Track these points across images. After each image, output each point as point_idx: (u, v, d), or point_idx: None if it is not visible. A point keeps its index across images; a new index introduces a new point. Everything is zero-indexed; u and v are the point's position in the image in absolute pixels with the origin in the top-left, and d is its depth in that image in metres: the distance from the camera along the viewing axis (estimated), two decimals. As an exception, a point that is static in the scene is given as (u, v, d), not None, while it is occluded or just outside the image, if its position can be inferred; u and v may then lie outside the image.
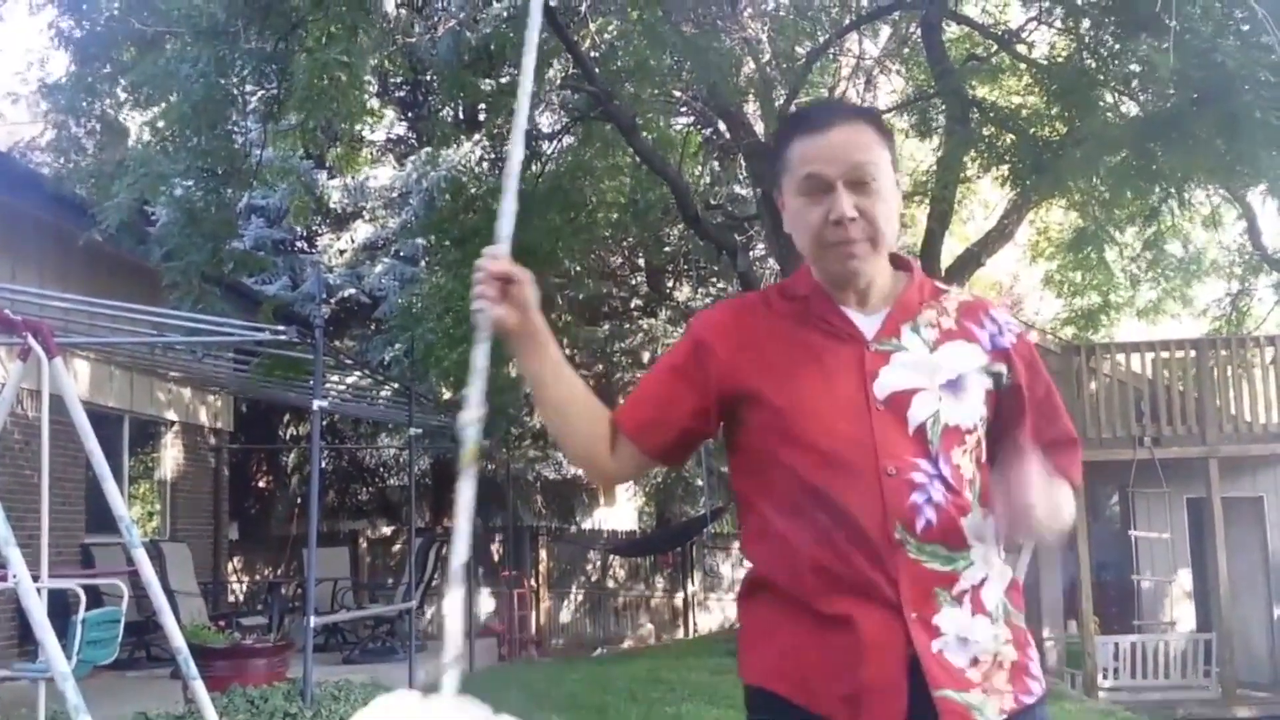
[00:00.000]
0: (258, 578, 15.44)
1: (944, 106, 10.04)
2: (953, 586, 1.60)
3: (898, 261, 1.79)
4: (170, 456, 11.96)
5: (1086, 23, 9.31)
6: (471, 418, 1.65)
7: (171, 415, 11.85)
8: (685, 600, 19.54)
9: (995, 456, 1.70)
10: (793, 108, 9.97)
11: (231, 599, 13.50)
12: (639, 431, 1.77)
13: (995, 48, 10.88)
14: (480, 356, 1.66)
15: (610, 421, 1.78)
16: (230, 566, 14.22)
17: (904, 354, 1.67)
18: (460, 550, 1.62)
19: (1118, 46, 8.33)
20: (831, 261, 1.70)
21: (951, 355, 1.68)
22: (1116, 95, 9.61)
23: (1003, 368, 1.71)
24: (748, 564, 1.76)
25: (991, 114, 10.51)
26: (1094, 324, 14.95)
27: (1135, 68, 8.20)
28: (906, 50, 11.40)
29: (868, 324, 1.71)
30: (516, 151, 1.84)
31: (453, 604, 1.67)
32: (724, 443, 1.80)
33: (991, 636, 1.63)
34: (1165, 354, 11.98)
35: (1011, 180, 10.21)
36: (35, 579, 4.36)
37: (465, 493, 1.65)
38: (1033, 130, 10.02)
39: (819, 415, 1.64)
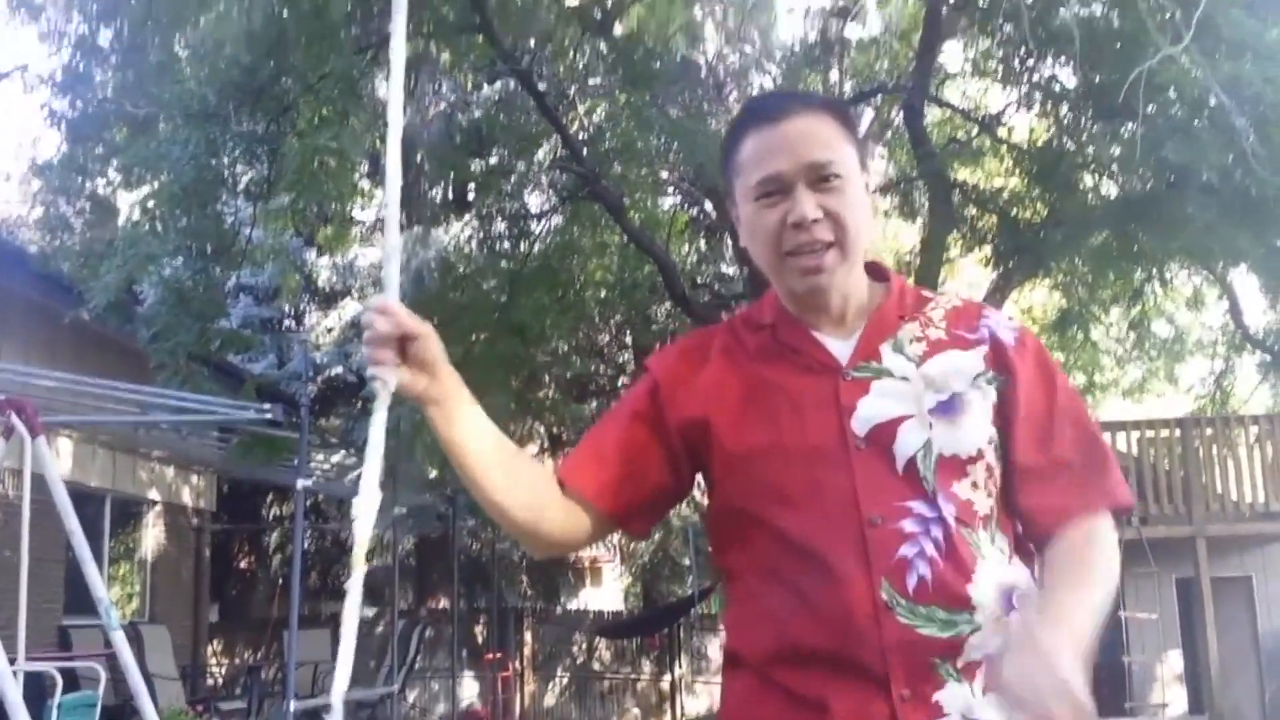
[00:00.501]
0: (237, 661, 15.18)
1: (927, 188, 10.18)
2: (957, 657, 1.33)
3: (876, 272, 1.56)
4: (151, 537, 11.83)
5: (1065, 107, 9.49)
6: (366, 505, 1.38)
7: (154, 495, 11.75)
8: (672, 683, 19.26)
9: (1018, 491, 1.45)
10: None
11: (211, 683, 13.26)
12: (600, 492, 1.50)
13: (976, 131, 11.07)
14: (377, 431, 1.37)
15: (557, 483, 1.51)
16: (210, 649, 13.99)
17: (887, 380, 1.43)
18: (341, 679, 1.37)
19: (1095, 130, 8.49)
20: (795, 275, 1.46)
21: (943, 368, 1.44)
22: (1096, 177, 9.77)
23: (1008, 363, 1.46)
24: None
25: (973, 196, 10.65)
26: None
27: (1114, 151, 8.34)
28: (889, 133, 11.58)
29: (843, 348, 1.47)
30: (394, 182, 1.46)
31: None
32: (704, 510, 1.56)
33: None
34: (1150, 433, 12.02)
35: (994, 261, 10.33)
36: (11, 661, 4.28)
37: (352, 599, 1.37)
38: (1014, 212, 10.16)
39: (791, 462, 1.41)
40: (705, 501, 1.56)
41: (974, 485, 1.41)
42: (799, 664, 1.37)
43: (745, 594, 1.46)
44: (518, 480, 1.47)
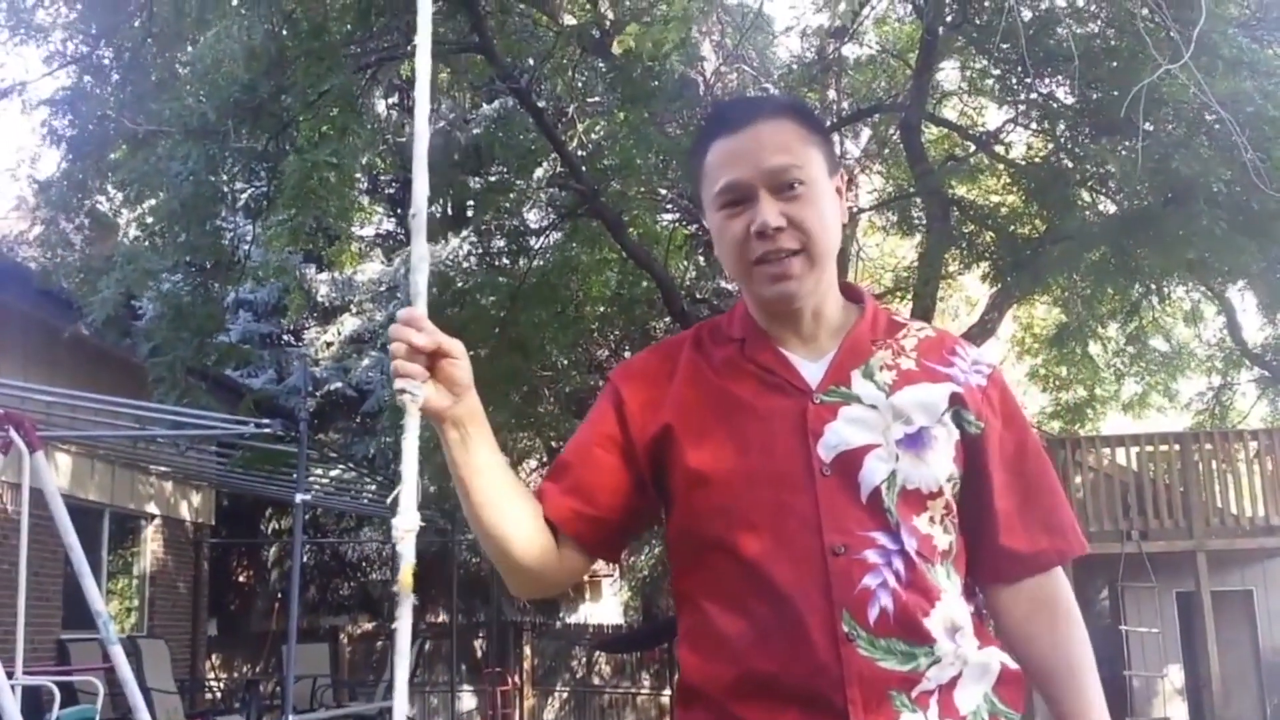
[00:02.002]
0: (236, 675, 15.15)
1: (924, 205, 10.21)
2: (912, 688, 1.32)
3: (850, 293, 1.53)
4: (150, 551, 11.82)
5: (1062, 125, 9.52)
6: (408, 526, 1.32)
7: (152, 509, 11.74)
8: (672, 698, 19.20)
9: (972, 531, 1.45)
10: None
11: (209, 697, 13.21)
12: (580, 528, 1.46)
13: (973, 148, 11.11)
14: (411, 450, 1.32)
15: (548, 521, 1.46)
16: (208, 663, 13.97)
17: (856, 406, 1.40)
18: (400, 700, 1.32)
19: (1093, 147, 8.52)
20: (762, 284, 1.43)
21: (912, 401, 1.41)
22: (1093, 194, 9.80)
23: (972, 415, 1.43)
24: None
25: (971, 212, 10.68)
26: (1080, 419, 15.01)
27: (1111, 168, 8.38)
28: (887, 151, 11.62)
29: (813, 370, 1.43)
30: (421, 191, 1.41)
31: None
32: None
33: None
34: (1150, 448, 12.03)
35: (992, 277, 10.35)
36: (9, 675, 4.28)
37: (404, 624, 1.31)
38: (1012, 228, 10.18)
39: (755, 484, 1.37)
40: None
41: (932, 520, 1.39)
42: (757, 695, 1.34)
43: (701, 622, 1.41)
44: (519, 516, 1.42)
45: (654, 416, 1.46)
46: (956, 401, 1.43)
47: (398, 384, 1.31)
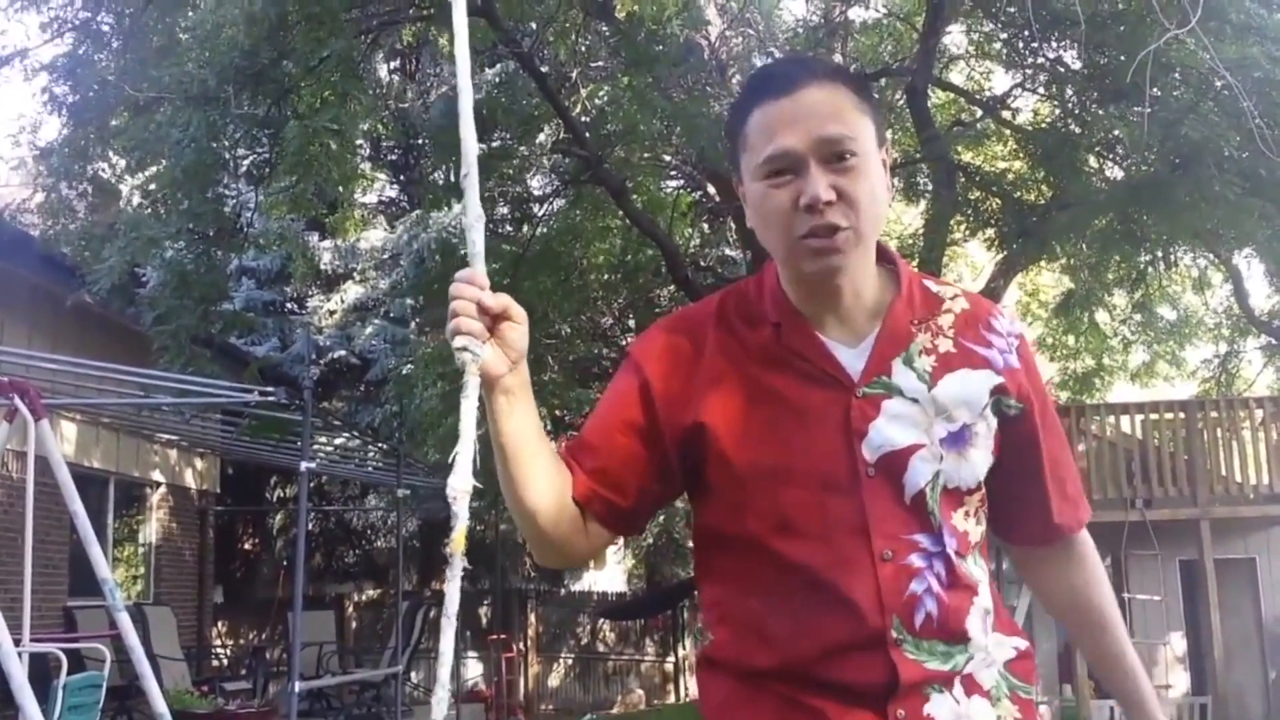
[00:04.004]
0: (242, 642, 15.26)
1: (930, 171, 10.15)
2: (946, 683, 1.35)
3: (880, 254, 1.45)
4: (155, 519, 11.87)
5: (1069, 90, 9.45)
6: (463, 487, 1.27)
7: (157, 477, 11.78)
8: (676, 664, 19.33)
9: (1008, 509, 1.47)
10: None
11: (215, 664, 13.32)
12: (603, 510, 1.43)
13: (980, 114, 11.03)
14: (469, 410, 1.28)
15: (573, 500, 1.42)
16: (214, 630, 14.06)
17: (898, 400, 1.35)
18: (446, 654, 1.28)
19: (1100, 112, 8.46)
20: (806, 260, 1.35)
21: (954, 392, 1.37)
22: (1100, 160, 9.74)
23: (1013, 399, 1.41)
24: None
25: (977, 178, 10.62)
26: (1088, 388, 15.00)
27: (1119, 133, 8.32)
28: (892, 116, 11.55)
29: (852, 357, 1.38)
30: (470, 150, 1.37)
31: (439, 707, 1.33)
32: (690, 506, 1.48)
33: (994, 719, 1.36)
34: (1155, 415, 12.00)
35: (998, 244, 10.30)
36: (16, 642, 4.30)
37: (453, 586, 1.27)
38: (1018, 194, 10.13)
39: (797, 485, 1.34)
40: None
41: (967, 514, 1.38)
42: (793, 681, 1.34)
43: (733, 599, 1.40)
44: (552, 489, 1.39)
45: (684, 408, 1.40)
46: (999, 391, 1.41)
47: (459, 342, 1.27)
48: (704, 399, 1.39)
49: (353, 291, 14.85)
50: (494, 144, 10.78)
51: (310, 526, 15.82)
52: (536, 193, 12.35)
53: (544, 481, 1.37)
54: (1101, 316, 13.11)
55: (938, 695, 1.32)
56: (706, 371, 1.40)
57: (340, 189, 8.33)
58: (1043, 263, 12.08)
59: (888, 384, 1.36)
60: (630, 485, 1.42)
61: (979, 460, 1.38)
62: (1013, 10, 7.94)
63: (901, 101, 9.79)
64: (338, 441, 10.79)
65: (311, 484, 11.57)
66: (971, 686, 1.35)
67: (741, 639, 1.38)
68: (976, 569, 1.39)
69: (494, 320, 1.29)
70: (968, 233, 11.07)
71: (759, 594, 1.36)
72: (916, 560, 1.32)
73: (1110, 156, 9.64)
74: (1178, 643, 12.49)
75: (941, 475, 1.35)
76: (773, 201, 1.35)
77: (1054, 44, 8.98)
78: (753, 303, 1.45)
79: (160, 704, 4.47)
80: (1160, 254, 10.06)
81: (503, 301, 1.29)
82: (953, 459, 1.36)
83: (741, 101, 1.43)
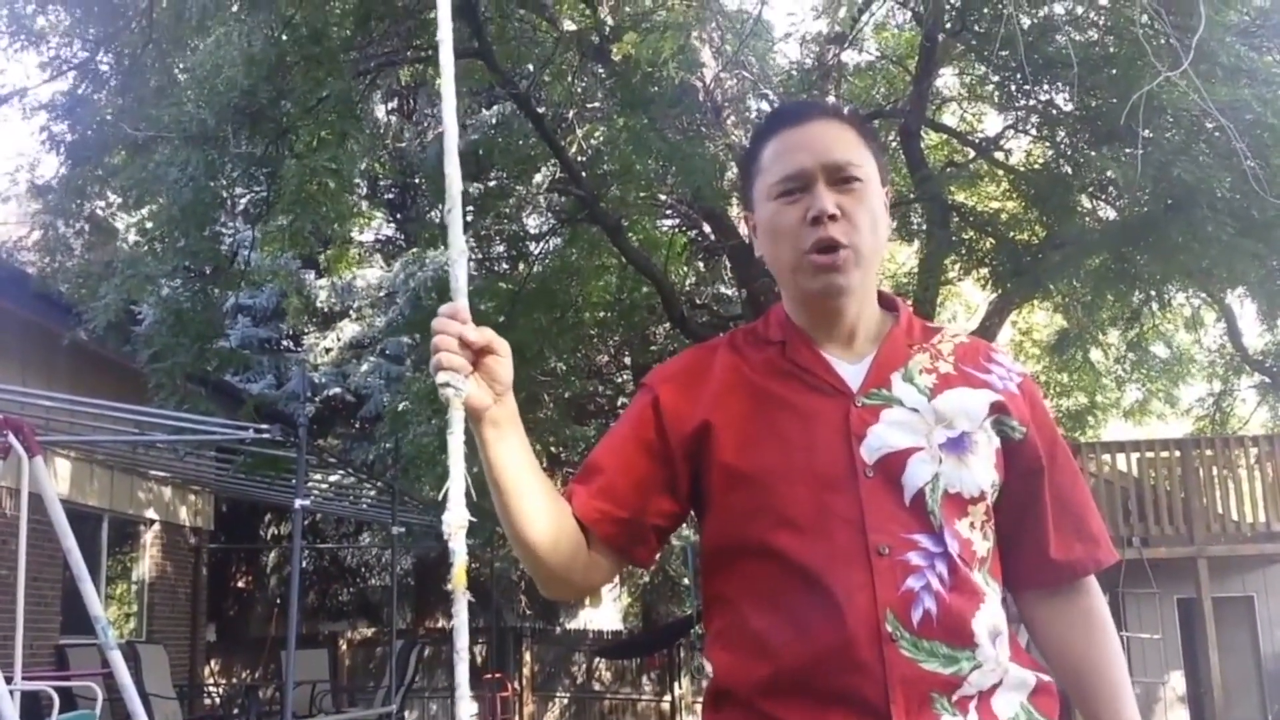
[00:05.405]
0: (235, 681, 15.13)
1: (924, 211, 10.21)
2: (953, 692, 1.32)
3: (884, 301, 1.53)
4: (149, 556, 11.81)
5: (1062, 131, 9.53)
6: (458, 522, 1.27)
7: (151, 514, 11.74)
8: (673, 704, 19.18)
9: (1009, 537, 1.46)
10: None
11: (208, 702, 13.20)
12: (610, 530, 1.44)
13: (973, 154, 11.11)
14: (457, 443, 1.28)
15: (579, 523, 1.44)
16: (207, 669, 13.96)
17: (898, 409, 1.40)
18: (464, 700, 1.27)
19: (1093, 153, 8.53)
20: (808, 276, 1.42)
21: (953, 405, 1.41)
22: (1093, 200, 9.80)
23: (1015, 420, 1.45)
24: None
25: (971, 218, 10.68)
26: (1082, 426, 15.01)
27: (1111, 174, 8.39)
28: (886, 156, 11.65)
29: (853, 372, 1.44)
30: (455, 184, 1.37)
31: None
32: (697, 529, 1.51)
33: None
34: (1150, 454, 12.02)
35: (992, 283, 10.35)
36: (8, 680, 4.28)
37: (460, 622, 1.26)
38: (1012, 234, 10.18)
39: (798, 484, 1.37)
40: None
41: (972, 525, 1.39)
42: (793, 693, 1.33)
43: (736, 622, 1.40)
44: (551, 518, 1.39)
45: (691, 413, 1.45)
46: (998, 409, 1.44)
47: (441, 377, 1.28)
48: (709, 405, 1.45)
49: (349, 329, 14.87)
50: (491, 183, 10.85)
51: (304, 564, 15.74)
52: (533, 231, 12.41)
53: (540, 511, 1.38)
54: (1095, 355, 13.14)
55: (950, 718, 1.31)
56: (713, 384, 1.47)
57: (337, 227, 8.37)
58: (1036, 301, 12.12)
59: (887, 395, 1.42)
60: (637, 501, 1.44)
61: (980, 469, 1.39)
62: (1005, 53, 8.01)
63: (895, 143, 9.86)
64: (333, 478, 10.77)
65: (306, 521, 11.53)
66: (987, 713, 1.34)
67: (741, 658, 1.39)
68: (985, 586, 1.39)
69: (477, 354, 1.30)
70: (962, 272, 11.12)
71: (761, 607, 1.38)
72: (915, 558, 1.34)
73: (1103, 197, 9.70)
74: (1177, 681, 12.42)
75: (941, 478, 1.37)
76: (783, 217, 1.44)
77: (1046, 86, 9.06)
78: (760, 330, 1.53)
79: (151, 744, 4.44)
80: (1154, 293, 10.10)
81: (485, 335, 1.30)
82: (952, 463, 1.38)
83: (756, 137, 1.53)
